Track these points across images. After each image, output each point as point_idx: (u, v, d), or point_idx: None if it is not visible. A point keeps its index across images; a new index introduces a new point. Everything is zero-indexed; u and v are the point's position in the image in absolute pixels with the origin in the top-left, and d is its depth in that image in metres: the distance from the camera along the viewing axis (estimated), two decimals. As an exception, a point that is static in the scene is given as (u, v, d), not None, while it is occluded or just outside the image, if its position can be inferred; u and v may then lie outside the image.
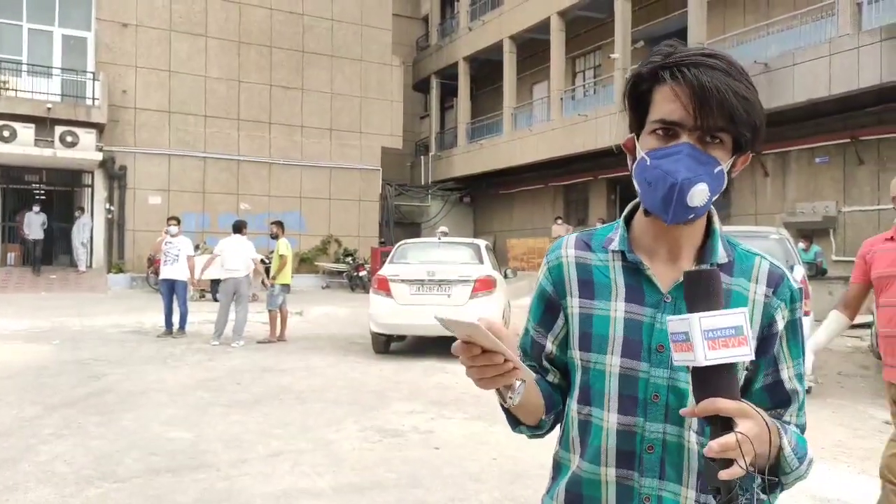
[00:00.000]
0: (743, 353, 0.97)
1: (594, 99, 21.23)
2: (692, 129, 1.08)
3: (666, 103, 1.10)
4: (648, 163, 1.12)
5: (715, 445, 0.96)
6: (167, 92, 19.99)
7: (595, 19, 20.89)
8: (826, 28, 13.69)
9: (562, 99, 20.91)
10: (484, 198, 26.79)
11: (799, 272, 7.14)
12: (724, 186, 1.12)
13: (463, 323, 0.98)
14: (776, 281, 1.19)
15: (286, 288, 10.86)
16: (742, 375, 1.17)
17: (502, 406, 1.29)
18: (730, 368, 0.99)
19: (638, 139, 1.17)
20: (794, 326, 1.20)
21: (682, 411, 1.06)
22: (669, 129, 1.11)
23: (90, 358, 8.93)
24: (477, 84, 26.44)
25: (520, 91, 23.87)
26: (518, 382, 1.12)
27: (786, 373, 1.19)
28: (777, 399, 1.20)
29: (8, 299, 14.88)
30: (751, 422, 0.98)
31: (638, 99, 1.16)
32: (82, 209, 19.11)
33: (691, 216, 1.12)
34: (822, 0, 14.09)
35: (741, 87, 1.07)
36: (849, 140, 14.00)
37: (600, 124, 18.50)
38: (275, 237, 11.14)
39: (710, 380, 0.98)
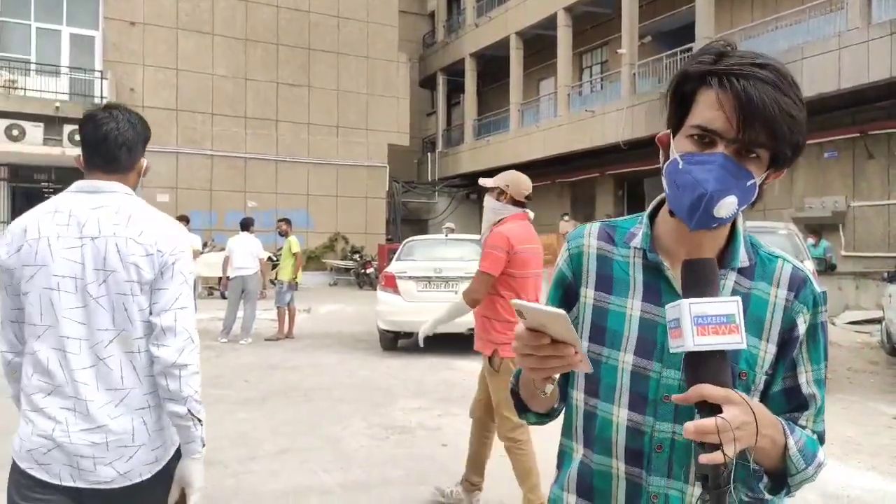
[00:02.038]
0: (734, 342, 0.97)
1: (601, 95, 21.17)
2: (731, 141, 1.06)
3: (708, 110, 1.07)
4: (681, 166, 1.09)
5: (691, 427, 0.96)
6: (174, 90, 20.06)
7: (602, 15, 20.82)
8: (835, 22, 13.60)
9: (569, 95, 20.85)
10: (491, 194, 26.75)
11: (808, 267, 7.10)
12: (754, 199, 1.11)
13: (546, 311, 0.97)
14: (798, 285, 1.18)
15: (294, 285, 10.88)
16: (762, 379, 1.16)
17: (513, 391, 1.32)
18: (720, 356, 0.98)
19: (674, 137, 1.15)
20: (815, 331, 1.18)
21: (674, 397, 1.05)
22: (706, 136, 1.08)
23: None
24: (483, 80, 26.40)
25: (526, 87, 23.82)
26: (556, 374, 1.12)
27: (804, 377, 1.18)
28: (794, 403, 1.19)
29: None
30: (737, 409, 0.97)
31: (681, 97, 1.13)
32: None
33: (715, 225, 1.10)
34: (830, -7, 14.00)
35: (789, 104, 1.04)
36: (858, 134, 13.91)
37: (607, 120, 18.44)
38: (284, 235, 11.16)
39: (700, 366, 0.99)
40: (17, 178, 19.36)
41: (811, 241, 12.19)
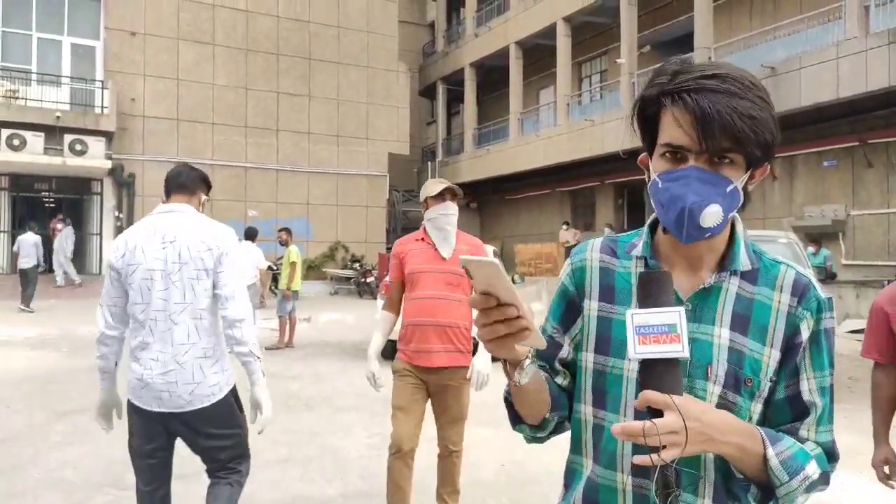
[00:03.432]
0: (674, 350, 1.00)
1: (601, 104, 21.23)
2: (699, 153, 1.08)
3: (671, 129, 1.10)
4: (660, 185, 1.12)
5: (617, 428, 1.01)
6: (175, 100, 20.11)
7: (601, 24, 20.90)
8: (833, 31, 13.66)
9: (568, 104, 20.91)
10: (491, 203, 26.80)
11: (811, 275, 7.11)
12: (741, 202, 1.13)
13: (481, 261, 0.98)
14: (802, 290, 1.17)
15: (295, 294, 10.87)
16: (766, 386, 1.15)
17: (506, 400, 1.30)
18: (665, 364, 1.01)
19: (651, 158, 1.18)
20: (818, 337, 1.17)
21: (634, 403, 1.08)
22: (677, 153, 1.11)
23: (99, 365, 8.95)
24: (483, 90, 26.48)
25: (526, 96, 23.89)
26: (527, 360, 1.13)
27: (806, 384, 1.16)
28: (796, 411, 1.17)
29: (17, 306, 14.95)
30: (672, 415, 0.98)
31: (646, 121, 1.17)
32: (63, 220, 18.20)
33: (707, 235, 1.11)
34: (829, 3, 14.05)
35: (746, 106, 1.06)
36: (857, 143, 13.94)
37: (607, 129, 18.49)
38: (284, 244, 11.16)
39: (648, 373, 1.03)
40: (18, 188, 19.38)
41: (811, 249, 12.19)
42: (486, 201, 27.06)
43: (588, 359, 1.24)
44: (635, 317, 1.02)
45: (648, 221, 1.27)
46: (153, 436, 2.78)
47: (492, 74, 25.50)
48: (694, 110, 1.06)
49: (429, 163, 27.99)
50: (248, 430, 2.91)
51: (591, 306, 1.25)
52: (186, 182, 2.96)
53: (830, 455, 1.18)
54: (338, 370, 8.90)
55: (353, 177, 22.60)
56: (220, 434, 2.84)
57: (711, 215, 1.08)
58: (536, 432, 1.31)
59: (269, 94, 21.36)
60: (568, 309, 1.30)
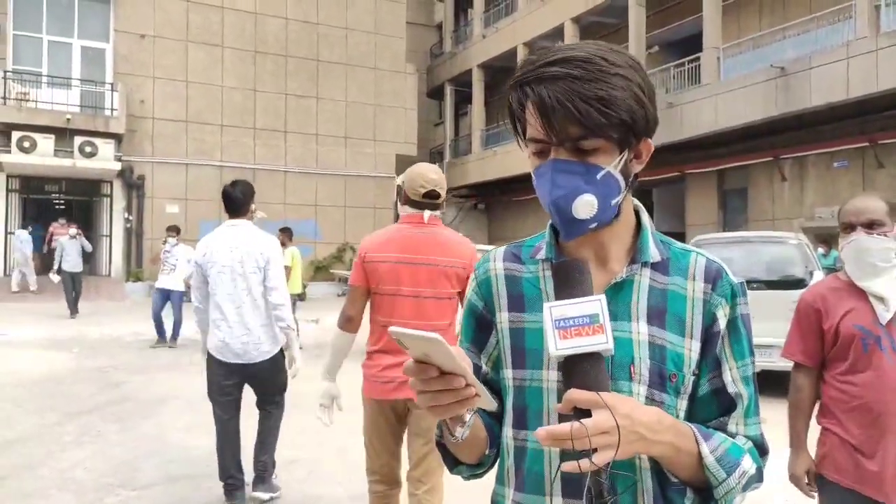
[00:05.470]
0: (598, 342, 0.92)
1: (609, 104, 21.14)
2: (556, 145, 1.02)
3: (529, 122, 1.05)
4: (535, 183, 1.07)
5: (541, 432, 0.91)
6: (184, 102, 20.19)
7: (609, 25, 20.86)
8: (843, 31, 13.58)
9: (576, 105, 20.85)
10: (498, 204, 26.78)
11: (818, 277, 7.06)
12: (624, 185, 1.06)
13: (421, 337, 0.86)
14: (714, 276, 1.10)
15: (301, 295, 10.83)
16: (690, 380, 1.09)
17: (438, 443, 1.19)
18: (590, 359, 0.93)
19: None
20: (736, 324, 1.10)
21: (556, 407, 0.98)
22: (540, 146, 1.05)
23: (109, 366, 9.00)
24: (491, 91, 26.48)
25: (534, 97, 23.83)
26: (469, 414, 1.03)
27: (729, 375, 1.10)
28: (723, 405, 1.10)
29: (28, 308, 15.04)
30: (602, 414, 0.89)
31: (516, 118, 1.10)
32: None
33: (592, 226, 1.05)
34: (839, 2, 13.98)
35: (592, 88, 0.98)
36: (868, 144, 13.85)
37: (615, 130, 18.40)
38: (283, 245, 11.10)
39: (572, 371, 0.94)
40: (29, 190, 19.51)
41: (821, 250, 12.13)
42: (493, 202, 27.05)
43: (508, 376, 1.15)
44: (553, 309, 0.93)
45: (550, 221, 1.18)
46: (231, 380, 4.02)
47: (500, 75, 25.48)
48: (535, 101, 1.01)
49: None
50: (287, 376, 4.22)
51: (503, 318, 1.17)
52: (239, 207, 4.13)
53: (761, 449, 1.11)
54: (344, 371, 8.86)
55: (361, 178, 22.62)
56: (274, 378, 4.14)
57: (584, 205, 1.02)
58: (475, 470, 1.22)
59: (277, 95, 21.42)
60: (478, 326, 1.22)
